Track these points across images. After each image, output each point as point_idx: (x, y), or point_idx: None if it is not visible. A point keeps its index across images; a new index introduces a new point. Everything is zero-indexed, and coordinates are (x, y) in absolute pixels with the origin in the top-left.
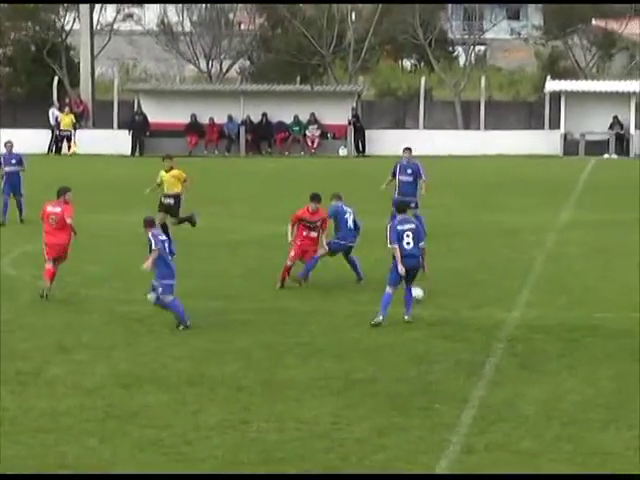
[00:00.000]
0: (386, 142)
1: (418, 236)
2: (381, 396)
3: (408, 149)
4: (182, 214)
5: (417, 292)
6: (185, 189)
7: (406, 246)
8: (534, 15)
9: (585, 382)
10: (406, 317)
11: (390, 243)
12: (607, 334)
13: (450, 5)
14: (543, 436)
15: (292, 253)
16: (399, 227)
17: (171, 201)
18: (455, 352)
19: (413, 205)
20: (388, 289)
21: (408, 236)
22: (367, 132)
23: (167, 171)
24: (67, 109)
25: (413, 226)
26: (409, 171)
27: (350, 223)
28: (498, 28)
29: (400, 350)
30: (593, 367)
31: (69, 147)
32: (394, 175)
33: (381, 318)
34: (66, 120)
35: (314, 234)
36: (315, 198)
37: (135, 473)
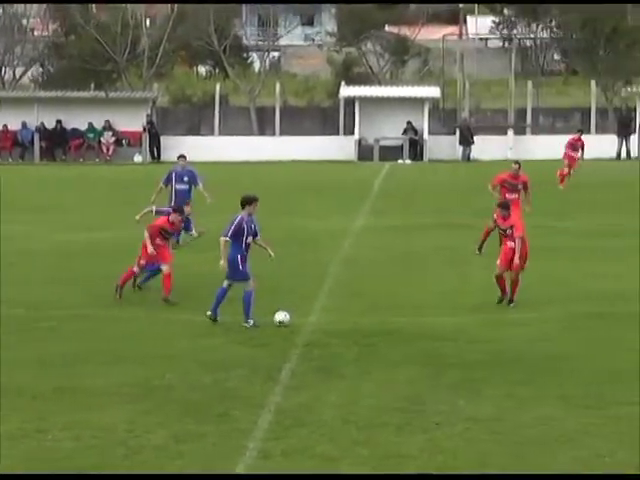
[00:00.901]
0: (181, 149)
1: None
2: (178, 403)
3: (183, 156)
4: None
5: (281, 316)
6: None
7: None
8: (328, 22)
9: (381, 386)
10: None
11: (224, 235)
12: (403, 338)
13: (244, 11)
14: (340, 440)
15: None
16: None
17: None
18: (252, 358)
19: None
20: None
21: None
22: (162, 138)
23: None
24: None
25: None
26: (185, 179)
27: None
28: (292, 35)
29: (198, 357)
30: (389, 371)
31: None
32: (167, 183)
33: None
34: None
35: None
36: (179, 211)
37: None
